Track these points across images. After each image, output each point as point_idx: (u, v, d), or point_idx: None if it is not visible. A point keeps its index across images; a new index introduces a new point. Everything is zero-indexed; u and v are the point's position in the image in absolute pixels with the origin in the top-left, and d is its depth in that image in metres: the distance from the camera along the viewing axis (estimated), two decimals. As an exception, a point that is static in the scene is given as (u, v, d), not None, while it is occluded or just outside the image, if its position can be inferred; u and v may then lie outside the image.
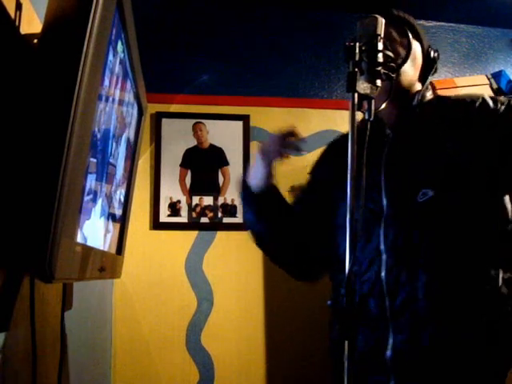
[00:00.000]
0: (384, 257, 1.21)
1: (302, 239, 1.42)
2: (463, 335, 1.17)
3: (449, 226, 1.20)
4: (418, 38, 1.31)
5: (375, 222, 1.24)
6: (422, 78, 1.35)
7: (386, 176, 1.26)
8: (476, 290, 1.19)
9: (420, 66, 1.32)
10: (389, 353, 1.19)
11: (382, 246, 1.22)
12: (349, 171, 0.92)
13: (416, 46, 1.30)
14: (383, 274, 1.21)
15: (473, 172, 1.21)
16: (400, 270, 1.20)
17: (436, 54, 1.34)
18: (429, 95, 1.34)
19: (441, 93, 1.39)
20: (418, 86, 1.35)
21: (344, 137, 1.45)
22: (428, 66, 1.34)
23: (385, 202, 1.24)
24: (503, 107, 1.24)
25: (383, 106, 1.05)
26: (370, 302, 1.23)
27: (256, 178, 1.36)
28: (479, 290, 1.19)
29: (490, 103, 1.25)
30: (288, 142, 1.31)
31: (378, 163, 1.27)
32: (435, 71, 1.36)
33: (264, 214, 1.38)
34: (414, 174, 1.24)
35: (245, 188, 1.40)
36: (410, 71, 1.29)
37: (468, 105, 1.28)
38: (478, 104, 1.26)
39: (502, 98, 1.27)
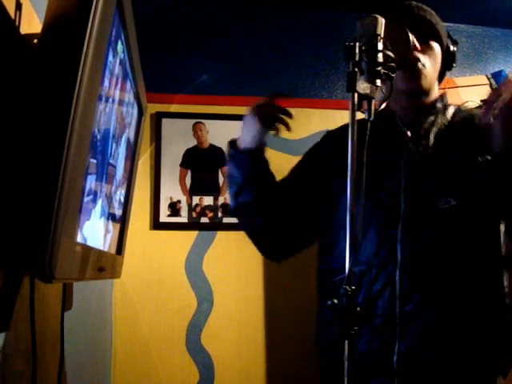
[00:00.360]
0: (399, 260, 1.19)
1: (283, 215, 1.36)
2: (473, 343, 1.18)
3: (470, 234, 1.20)
4: (437, 37, 1.29)
5: (391, 224, 1.22)
6: (441, 73, 1.34)
7: (407, 179, 1.23)
8: (491, 299, 1.20)
9: (439, 65, 1.31)
10: (395, 357, 1.17)
11: (399, 250, 1.20)
12: (349, 170, 0.92)
13: (435, 47, 1.28)
14: (397, 277, 1.19)
15: (495, 184, 1.20)
16: (416, 275, 1.18)
17: (455, 48, 1.32)
18: (447, 101, 1.34)
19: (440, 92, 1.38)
20: (436, 84, 1.34)
21: (344, 128, 1.44)
22: (447, 62, 1.33)
23: (403, 204, 1.22)
24: None
25: (383, 106, 1.05)
26: (378, 304, 1.20)
27: (246, 139, 1.31)
28: (494, 298, 1.20)
29: None
30: (277, 114, 1.27)
31: (397, 166, 1.25)
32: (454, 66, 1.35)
33: (251, 176, 1.32)
34: (437, 180, 1.22)
35: (233, 146, 1.34)
36: (432, 74, 1.28)
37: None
38: None
39: None
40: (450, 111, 1.33)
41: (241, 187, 1.34)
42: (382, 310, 1.20)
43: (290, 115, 1.28)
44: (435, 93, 1.34)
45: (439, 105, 1.32)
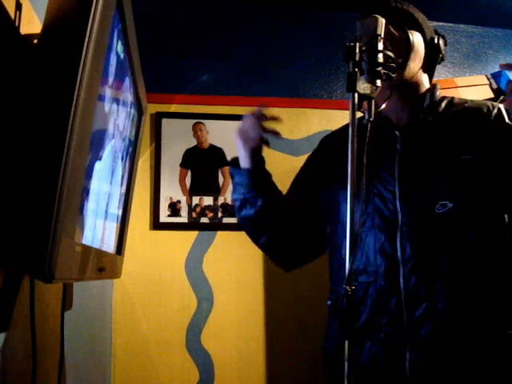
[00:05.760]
0: (401, 267, 1.18)
1: (288, 229, 1.39)
2: (484, 347, 1.15)
3: (468, 237, 1.18)
4: (418, 27, 1.28)
5: (390, 231, 1.20)
6: (428, 67, 1.32)
7: (401, 184, 1.22)
8: (496, 301, 1.18)
9: (422, 56, 1.28)
10: (408, 369, 1.15)
11: (399, 256, 1.18)
12: (349, 171, 0.92)
13: (416, 37, 1.26)
14: (402, 285, 1.17)
15: (491, 183, 1.19)
16: (419, 281, 1.16)
17: (441, 41, 1.30)
18: (438, 94, 1.32)
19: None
20: (425, 78, 1.32)
21: (338, 132, 1.44)
22: (433, 54, 1.30)
23: (400, 210, 1.21)
24: None
25: (383, 106, 1.05)
26: (383, 315, 1.18)
27: (243, 159, 1.34)
28: (499, 300, 1.18)
29: (506, 117, 1.23)
30: (264, 125, 1.30)
31: (390, 169, 1.24)
32: (442, 59, 1.32)
33: (252, 194, 1.35)
34: (431, 184, 1.21)
35: (234, 165, 1.38)
36: (411, 63, 1.25)
37: (483, 113, 1.25)
38: (494, 114, 1.24)
39: None
40: (443, 105, 1.30)
41: (243, 202, 1.37)
42: (389, 320, 1.18)
43: (273, 119, 1.31)
44: (424, 87, 1.32)
45: (428, 100, 1.29)
